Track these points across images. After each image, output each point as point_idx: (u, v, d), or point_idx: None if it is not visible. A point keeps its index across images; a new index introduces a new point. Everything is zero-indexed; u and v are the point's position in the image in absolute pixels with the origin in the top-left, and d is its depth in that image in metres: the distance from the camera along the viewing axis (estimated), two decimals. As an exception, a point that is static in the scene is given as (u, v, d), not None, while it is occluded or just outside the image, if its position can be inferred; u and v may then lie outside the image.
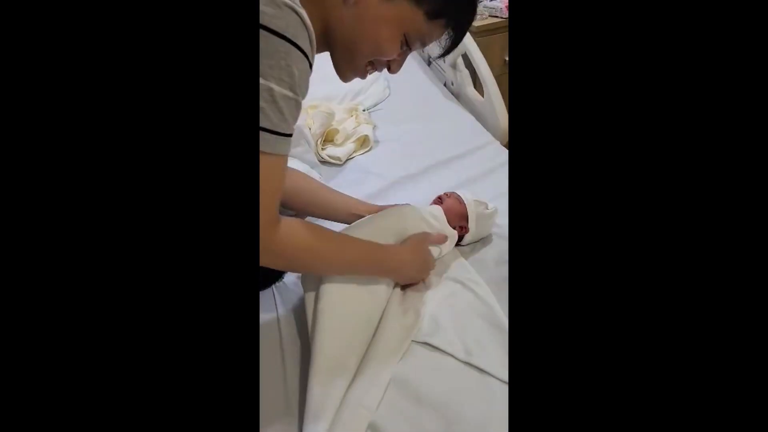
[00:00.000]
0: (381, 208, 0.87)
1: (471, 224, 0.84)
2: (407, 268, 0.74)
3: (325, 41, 0.61)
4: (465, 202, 0.84)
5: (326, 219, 0.91)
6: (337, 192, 0.90)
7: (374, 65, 0.63)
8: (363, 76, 0.64)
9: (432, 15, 0.56)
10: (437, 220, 0.81)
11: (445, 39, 0.62)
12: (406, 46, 0.60)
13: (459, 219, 0.83)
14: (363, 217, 0.84)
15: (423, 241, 0.76)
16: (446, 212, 0.83)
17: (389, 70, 0.64)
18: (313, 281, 0.72)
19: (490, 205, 0.86)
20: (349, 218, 0.86)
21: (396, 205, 0.88)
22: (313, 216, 0.91)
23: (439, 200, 0.87)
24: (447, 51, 0.64)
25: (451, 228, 0.82)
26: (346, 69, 0.63)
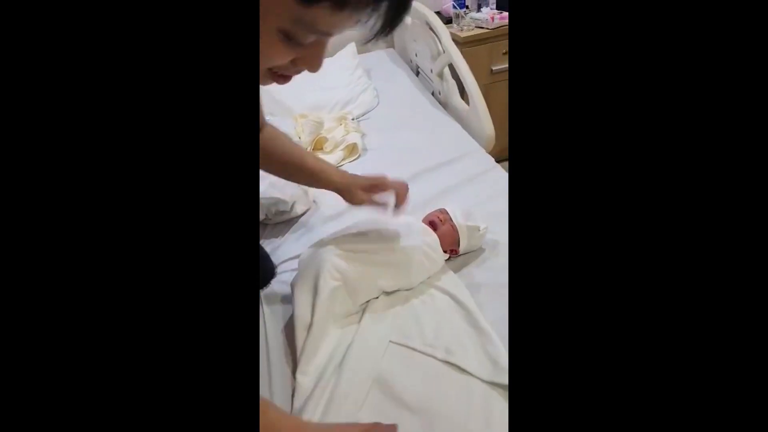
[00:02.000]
0: (356, 177, 0.86)
1: (461, 248, 0.86)
2: None
3: None
4: (458, 229, 0.85)
5: (304, 184, 0.92)
6: (317, 159, 0.88)
7: (283, 70, 0.49)
8: (279, 81, 0.51)
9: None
10: (434, 251, 0.82)
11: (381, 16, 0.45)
12: (294, 42, 0.45)
13: (451, 244, 0.85)
14: (339, 185, 0.84)
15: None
16: (440, 237, 0.84)
17: (308, 69, 0.50)
18: (306, 286, 0.74)
19: (482, 227, 0.86)
20: (327, 185, 0.86)
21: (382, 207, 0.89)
22: (290, 179, 0.91)
23: (432, 224, 0.87)
24: (380, 30, 0.47)
25: (443, 253, 0.84)
26: None
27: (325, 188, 0.87)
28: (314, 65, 0.49)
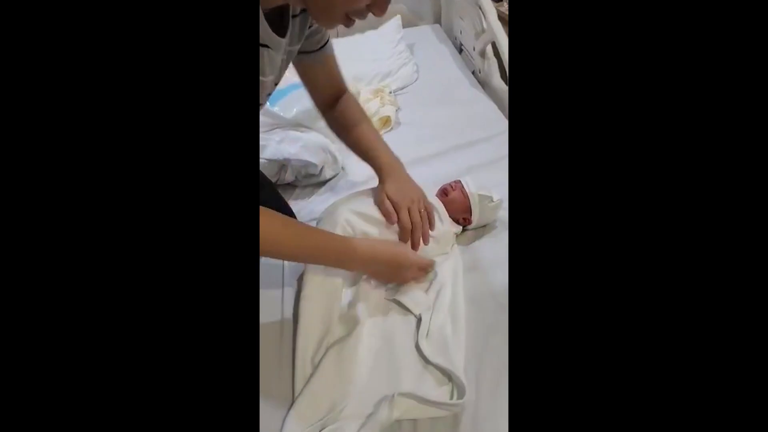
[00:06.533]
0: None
1: (474, 217, 0.87)
2: (376, 265, 0.74)
3: None
4: (469, 196, 0.86)
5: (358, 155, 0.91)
6: (376, 137, 0.88)
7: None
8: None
9: None
10: (439, 214, 0.85)
11: None
12: None
13: (463, 212, 0.87)
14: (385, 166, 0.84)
15: (403, 254, 0.76)
16: (450, 204, 0.87)
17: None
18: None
19: (495, 197, 0.87)
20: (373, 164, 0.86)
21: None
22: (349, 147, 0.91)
23: (444, 192, 0.89)
24: None
25: (453, 222, 0.87)
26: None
27: (372, 165, 0.86)
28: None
